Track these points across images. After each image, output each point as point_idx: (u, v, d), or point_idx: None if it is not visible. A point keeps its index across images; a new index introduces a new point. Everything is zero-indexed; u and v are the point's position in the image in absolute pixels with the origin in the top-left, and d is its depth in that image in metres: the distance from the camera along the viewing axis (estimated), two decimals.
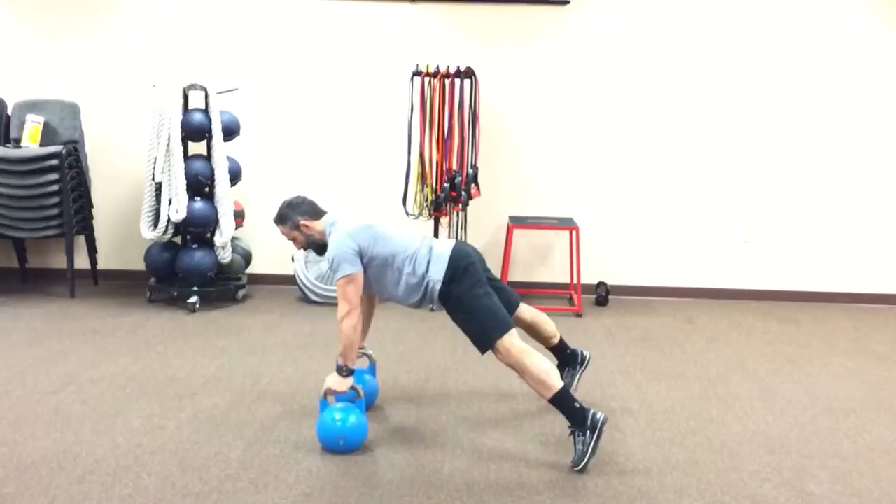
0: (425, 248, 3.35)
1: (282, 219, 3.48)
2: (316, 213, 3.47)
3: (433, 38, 5.69)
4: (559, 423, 3.54)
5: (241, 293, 5.52)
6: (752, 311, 5.63)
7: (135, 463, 3.10)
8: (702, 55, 5.70)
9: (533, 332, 3.69)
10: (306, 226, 3.44)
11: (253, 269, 5.79)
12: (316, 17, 5.68)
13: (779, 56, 5.68)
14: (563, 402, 3.15)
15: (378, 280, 3.37)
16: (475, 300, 3.27)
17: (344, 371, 3.25)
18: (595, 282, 5.82)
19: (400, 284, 3.35)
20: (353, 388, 3.30)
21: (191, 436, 3.35)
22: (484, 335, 3.25)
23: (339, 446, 3.21)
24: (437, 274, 3.28)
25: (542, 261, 5.96)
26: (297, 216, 3.44)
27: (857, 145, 5.75)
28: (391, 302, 3.51)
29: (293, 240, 3.52)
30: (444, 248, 3.36)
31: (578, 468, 3.08)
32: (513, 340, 3.22)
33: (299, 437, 3.36)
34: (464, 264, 3.30)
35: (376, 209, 5.45)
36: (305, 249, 3.55)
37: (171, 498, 2.84)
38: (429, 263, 3.30)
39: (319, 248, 3.47)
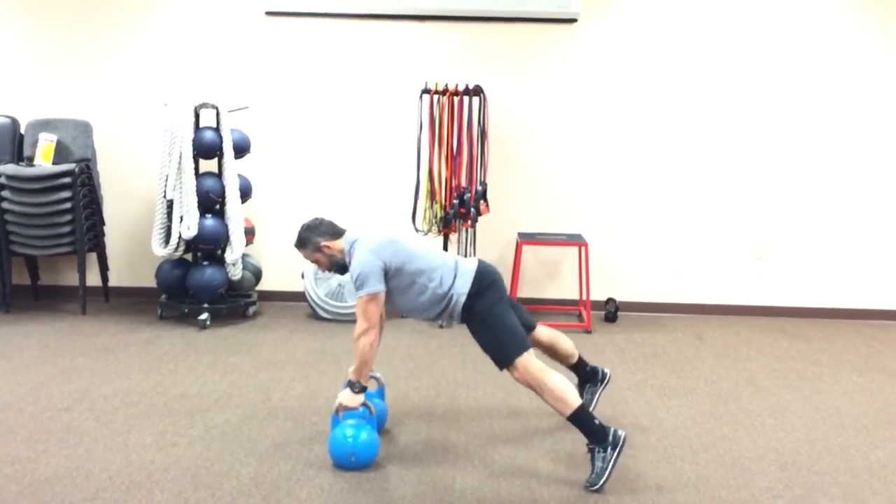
0: (451, 262, 3.38)
1: (302, 243, 3.47)
2: (335, 233, 3.46)
3: (442, 55, 5.74)
4: (570, 439, 3.55)
5: (251, 310, 5.55)
6: (762, 327, 5.62)
7: (147, 479, 3.11)
8: (711, 72, 5.72)
9: (552, 352, 3.68)
10: (327, 246, 3.42)
11: (263, 285, 5.82)
12: (325, 35, 5.74)
13: (788, 74, 5.70)
14: (582, 419, 3.13)
15: (401, 292, 3.37)
16: (497, 317, 3.28)
17: (356, 387, 3.27)
18: (604, 298, 5.82)
19: (424, 295, 3.35)
20: (364, 404, 3.32)
21: (203, 452, 3.36)
22: (503, 351, 3.25)
23: (350, 463, 3.22)
24: (462, 287, 3.30)
25: (551, 277, 5.97)
26: (316, 238, 3.43)
27: (869, 162, 5.76)
28: (407, 316, 3.51)
29: (316, 262, 3.50)
30: (470, 264, 3.39)
31: (595, 487, 3.05)
32: (530, 359, 3.21)
33: (311, 453, 3.37)
34: (489, 280, 3.34)
35: (385, 226, 5.46)
36: (329, 271, 3.52)
37: None
38: (455, 277, 3.33)
39: (341, 267, 3.44)
